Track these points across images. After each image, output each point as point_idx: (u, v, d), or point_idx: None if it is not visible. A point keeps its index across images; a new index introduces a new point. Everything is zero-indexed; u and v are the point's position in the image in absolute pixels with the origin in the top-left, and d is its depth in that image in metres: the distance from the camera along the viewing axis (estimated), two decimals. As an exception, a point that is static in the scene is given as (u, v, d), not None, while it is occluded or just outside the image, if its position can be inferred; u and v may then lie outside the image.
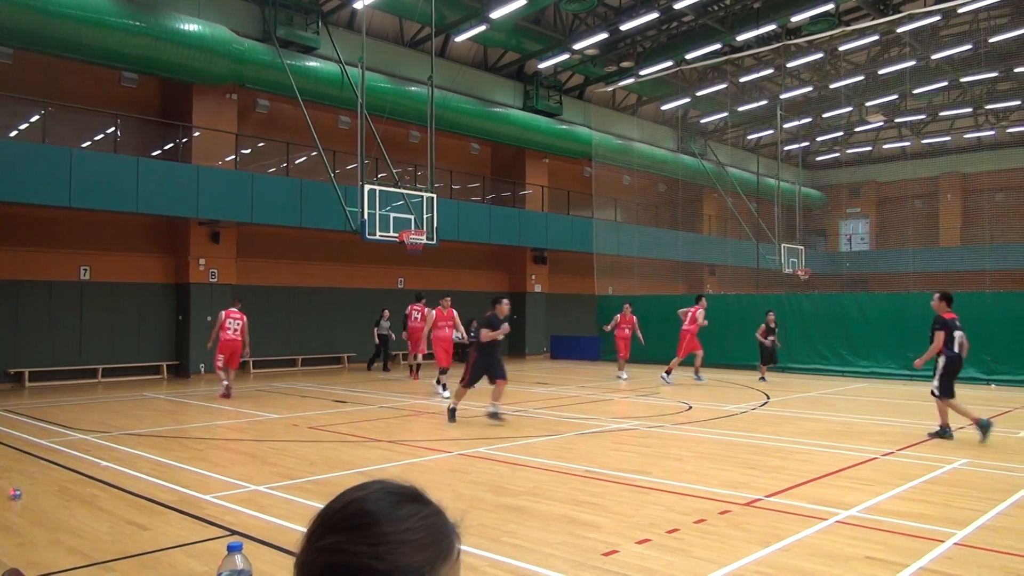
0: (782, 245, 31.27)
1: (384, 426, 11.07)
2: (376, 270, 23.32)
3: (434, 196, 18.24)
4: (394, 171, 19.72)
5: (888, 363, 18.96)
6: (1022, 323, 17.15)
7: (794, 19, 23.64)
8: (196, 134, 19.56)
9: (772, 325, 17.99)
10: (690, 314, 17.93)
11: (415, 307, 18.54)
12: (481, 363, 11.37)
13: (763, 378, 18.12)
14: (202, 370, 19.26)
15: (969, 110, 35.70)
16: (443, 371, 15.13)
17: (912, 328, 18.71)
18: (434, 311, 14.73)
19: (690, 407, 13.27)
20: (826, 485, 7.31)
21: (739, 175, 36.48)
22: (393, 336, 21.19)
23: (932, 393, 10.06)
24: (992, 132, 37.58)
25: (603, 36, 24.13)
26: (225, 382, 14.37)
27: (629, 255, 28.05)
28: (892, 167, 41.52)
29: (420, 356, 18.84)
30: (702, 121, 34.69)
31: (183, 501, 6.66)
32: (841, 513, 6.20)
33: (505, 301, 11.90)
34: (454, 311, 14.66)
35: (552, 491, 7.02)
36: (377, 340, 21.13)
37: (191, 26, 17.88)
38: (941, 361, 9.94)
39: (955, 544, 5.42)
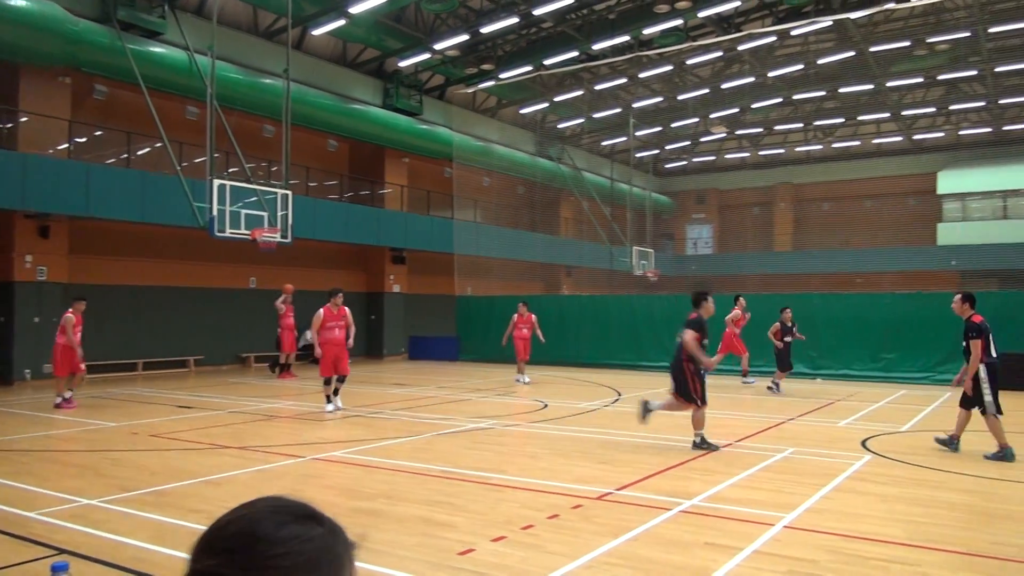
0: (633, 248, 32.60)
1: (234, 432, 10.61)
2: (226, 269, 22.30)
3: (289, 193, 17.68)
4: (246, 166, 18.95)
5: (730, 359, 20.14)
6: (843, 323, 18.72)
7: (646, 32, 24.72)
8: (23, 119, 17.99)
9: (789, 324, 15.80)
10: (737, 316, 16.61)
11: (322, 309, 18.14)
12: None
13: (773, 385, 15.71)
14: (28, 376, 17.72)
15: (800, 125, 38.59)
16: (327, 381, 12.71)
17: (752, 327, 20.02)
18: (322, 310, 12.74)
19: (546, 405, 13.58)
20: (672, 477, 7.69)
21: (594, 180, 37.72)
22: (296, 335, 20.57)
23: (982, 412, 8.79)
24: (820, 146, 40.81)
25: (464, 38, 24.26)
26: (66, 393, 13.10)
27: (488, 256, 28.37)
28: (733, 176, 44.24)
29: (292, 356, 18.25)
30: (560, 126, 35.58)
31: (4, 520, 6.10)
32: (684, 503, 6.54)
33: (710, 297, 9.72)
34: (346, 309, 12.90)
35: (408, 493, 6.98)
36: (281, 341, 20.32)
37: (17, 1, 16.41)
38: (983, 372, 8.75)
39: (784, 527, 5.84)
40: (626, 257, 32.33)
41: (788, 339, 15.74)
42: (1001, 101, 33.74)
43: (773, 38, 26.88)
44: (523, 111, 33.10)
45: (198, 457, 8.76)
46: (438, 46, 24.40)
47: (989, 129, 36.99)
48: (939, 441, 9.37)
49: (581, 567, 4.92)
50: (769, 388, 15.86)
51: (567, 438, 10.18)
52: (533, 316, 17.95)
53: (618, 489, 7.06)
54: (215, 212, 16.19)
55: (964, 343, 8.96)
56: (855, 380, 17.97)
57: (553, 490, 7.03)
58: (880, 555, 5.23)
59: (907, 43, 28.05)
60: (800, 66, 30.40)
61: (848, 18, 24.04)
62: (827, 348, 18.77)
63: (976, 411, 8.90)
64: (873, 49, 27.95)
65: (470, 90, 29.46)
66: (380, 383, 17.77)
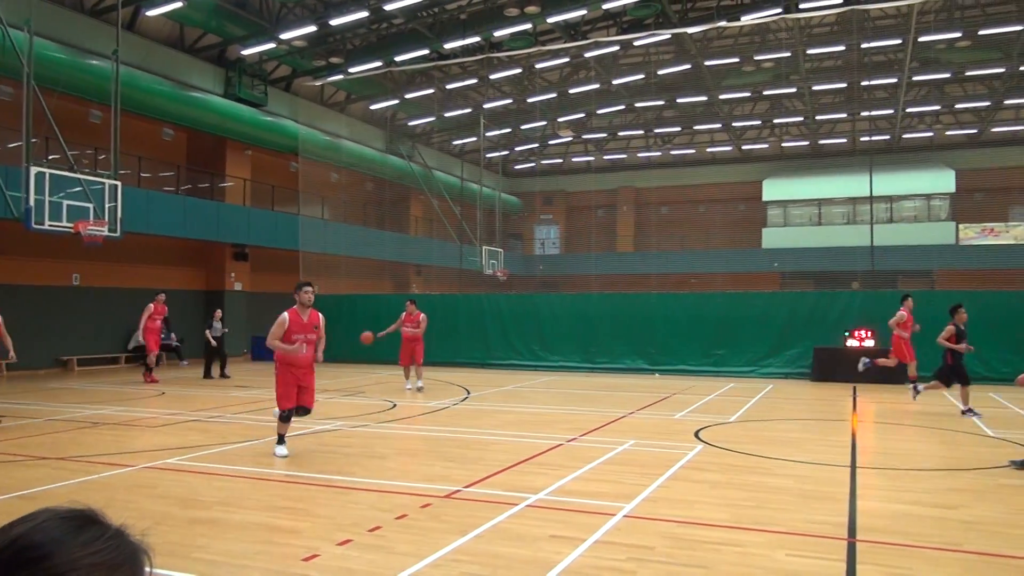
0: (483, 247, 32.94)
1: (52, 441, 9.76)
2: (45, 264, 20.49)
3: (118, 183, 16.52)
4: (69, 153, 17.49)
5: (574, 357, 20.80)
6: (679, 321, 19.80)
7: (497, 34, 25.05)
8: None
9: (963, 326, 12.11)
10: (906, 317, 14.41)
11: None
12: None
13: (970, 411, 12.01)
14: None
15: (641, 132, 40.46)
16: (285, 416, 8.97)
17: (593, 326, 20.74)
18: (287, 314, 10.92)
19: (394, 405, 13.46)
20: (519, 472, 7.84)
21: (445, 179, 37.78)
22: (226, 330, 19.22)
23: None
24: (659, 153, 42.95)
25: (311, 29, 23.58)
26: None
27: (336, 253, 27.73)
28: (579, 179, 45.70)
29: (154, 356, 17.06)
30: (410, 123, 35.37)
31: None
32: (531, 497, 6.68)
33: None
34: (320, 316, 10.60)
35: (249, 499, 6.71)
36: (213, 343, 18.74)
37: None
38: None
39: (624, 516, 6.11)
40: (476, 256, 32.60)
41: (963, 345, 12.01)
42: (818, 117, 36.86)
43: (617, 47, 28.02)
44: (373, 107, 32.64)
45: (9, 471, 8.00)
46: (284, 36, 23.60)
47: (807, 142, 40.33)
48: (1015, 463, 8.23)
49: (429, 566, 4.92)
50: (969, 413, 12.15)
51: (416, 437, 10.15)
52: (423, 315, 15.89)
53: (466, 486, 7.11)
54: (32, 202, 14.86)
55: None
56: (690, 375, 19.05)
57: (402, 490, 6.98)
58: (710, 538, 5.58)
59: (737, 59, 30.07)
60: (642, 76, 31.85)
61: (685, 32, 25.45)
62: (664, 345, 19.78)
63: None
64: (708, 63, 29.74)
65: (318, 83, 28.70)
66: (221, 385, 16.96)
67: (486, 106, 33.31)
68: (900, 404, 13.94)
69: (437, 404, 13.66)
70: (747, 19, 25.27)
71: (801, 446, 9.59)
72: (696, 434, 10.25)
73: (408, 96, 31.23)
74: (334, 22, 23.16)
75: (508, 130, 37.99)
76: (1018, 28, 25.75)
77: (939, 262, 35.16)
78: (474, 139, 36.79)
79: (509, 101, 34.22)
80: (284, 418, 8.89)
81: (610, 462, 8.41)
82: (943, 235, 36.58)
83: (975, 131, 37.48)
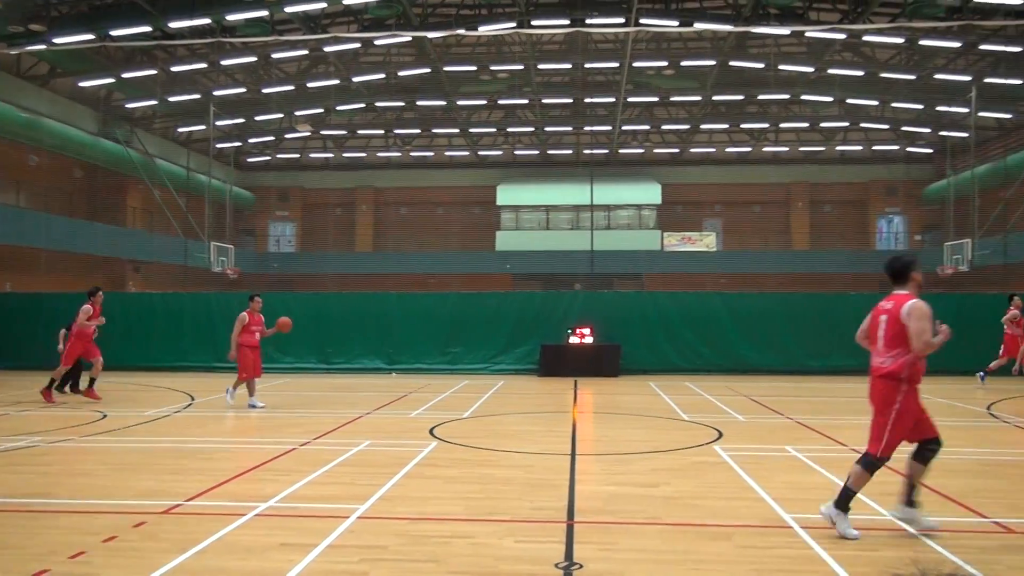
0: (211, 243, 30.97)
1: None
2: None
3: None
4: None
5: (310, 358, 20.25)
6: (416, 320, 20.07)
7: (229, 17, 23.66)
8: None
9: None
10: (1016, 316, 16.00)
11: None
12: None
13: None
14: None
15: (382, 132, 40.46)
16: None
17: (330, 326, 20.39)
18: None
19: (104, 416, 12.16)
20: (247, 480, 7.46)
21: (168, 168, 34.96)
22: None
23: None
24: (399, 153, 43.27)
25: (4, -12, 20.63)
26: None
27: (35, 246, 24.49)
28: (317, 176, 44.63)
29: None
30: (128, 106, 32.24)
31: None
32: (260, 506, 6.39)
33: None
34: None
35: (-86, 533, 5.69)
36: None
37: None
38: None
39: (358, 518, 6.06)
40: (203, 253, 30.55)
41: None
42: (547, 128, 39.37)
43: (358, 45, 27.75)
44: (83, 84, 29.28)
45: None
46: (-32, -8, 20.39)
47: (537, 151, 42.92)
48: None
49: (142, 590, 4.51)
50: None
51: (131, 450, 9.26)
52: (261, 317, 13.82)
53: (188, 500, 6.62)
54: None
55: None
56: (426, 373, 19.38)
57: (111, 509, 6.32)
58: (442, 532, 5.72)
59: (474, 68, 31.20)
60: (382, 75, 31.87)
61: (425, 37, 25.89)
62: (402, 344, 19.94)
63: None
64: (447, 68, 30.51)
65: (14, 52, 25.13)
66: None
67: (217, 93, 31.35)
68: (614, 395, 15.33)
69: (156, 412, 12.56)
70: (484, 30, 26.32)
71: (528, 438, 10.17)
72: (431, 431, 10.46)
73: (126, 75, 28.45)
74: (34, -16, 20.46)
75: (241, 120, 36.06)
76: (712, 63, 29.46)
77: (647, 266, 39.24)
78: (203, 127, 34.42)
79: (243, 90, 32.51)
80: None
81: (344, 464, 8.30)
82: (651, 242, 40.84)
83: (677, 150, 42.28)
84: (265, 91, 32.47)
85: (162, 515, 6.15)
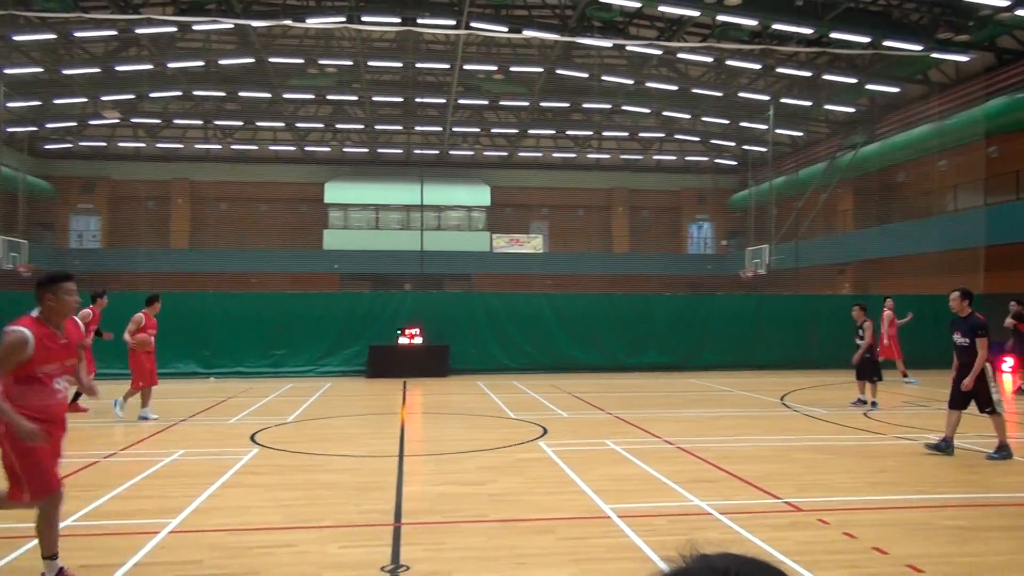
0: (1, 237, 28.04)
1: None
2: None
3: None
4: None
5: (116, 363, 18.74)
6: (237, 321, 19.12)
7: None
8: None
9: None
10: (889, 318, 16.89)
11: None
12: None
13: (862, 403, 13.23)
14: None
15: (200, 122, 38.21)
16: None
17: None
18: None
19: None
20: (41, 498, 6.80)
21: (-53, 152, 31.17)
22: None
23: (988, 412, 8.56)
24: (219, 146, 41.06)
25: None
26: None
27: None
28: (127, 166, 41.42)
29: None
30: None
31: None
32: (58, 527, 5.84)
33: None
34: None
35: None
36: None
37: None
38: (989, 370, 8.59)
39: (170, 532, 5.70)
40: (-8, 248, 27.57)
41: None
42: (376, 127, 38.85)
43: (174, 28, 26.05)
44: None
45: None
46: None
47: (367, 149, 42.25)
48: (931, 447, 8.80)
49: (-91, 627, 4.00)
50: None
51: None
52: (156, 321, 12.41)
53: (-32, 523, 5.94)
54: None
55: (965, 339, 8.59)
56: (248, 377, 18.53)
57: None
58: (262, 542, 5.50)
59: (302, 60, 30.23)
60: (201, 63, 30.14)
61: (249, 25, 24.75)
62: (221, 347, 18.95)
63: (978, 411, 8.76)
64: (272, 60, 29.33)
65: None
66: None
67: (8, 71, 28.34)
68: (443, 395, 15.41)
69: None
70: (312, 22, 25.56)
71: (355, 440, 10.00)
72: (252, 437, 10.02)
73: None
74: None
75: (38, 103, 32.79)
76: (539, 70, 30.32)
77: (477, 267, 39.75)
78: (-10, 108, 30.97)
79: (39, 69, 29.58)
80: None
81: (155, 476, 7.77)
82: (480, 243, 41.41)
83: (506, 154, 43.15)
84: (66, 72, 29.71)
85: (-65, 542, 5.48)
